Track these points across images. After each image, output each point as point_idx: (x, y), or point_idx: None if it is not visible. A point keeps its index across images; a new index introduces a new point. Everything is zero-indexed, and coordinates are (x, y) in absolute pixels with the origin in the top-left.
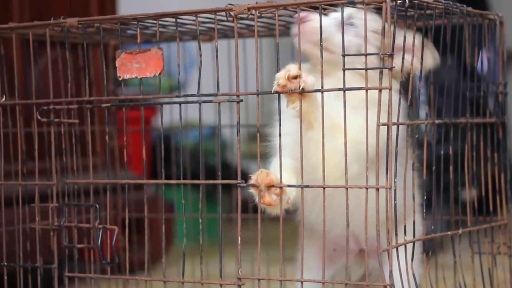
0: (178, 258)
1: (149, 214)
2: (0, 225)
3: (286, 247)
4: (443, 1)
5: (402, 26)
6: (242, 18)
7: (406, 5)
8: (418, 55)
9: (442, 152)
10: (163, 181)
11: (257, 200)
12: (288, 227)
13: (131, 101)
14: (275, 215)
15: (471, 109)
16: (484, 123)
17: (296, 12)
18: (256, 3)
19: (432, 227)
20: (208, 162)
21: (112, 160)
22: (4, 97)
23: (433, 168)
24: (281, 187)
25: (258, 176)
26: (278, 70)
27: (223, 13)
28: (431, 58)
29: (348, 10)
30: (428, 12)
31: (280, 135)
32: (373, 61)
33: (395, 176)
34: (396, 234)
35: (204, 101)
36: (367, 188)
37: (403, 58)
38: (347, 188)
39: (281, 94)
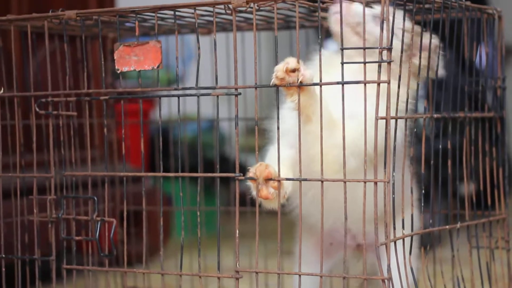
0: (176, 251)
1: (147, 207)
2: None
3: (284, 240)
4: None
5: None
6: (240, 11)
7: None
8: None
9: (440, 146)
10: (161, 174)
11: (254, 193)
12: (285, 220)
13: (129, 94)
14: (271, 209)
15: (469, 103)
16: (482, 118)
17: (295, 5)
18: None
19: (430, 221)
20: (206, 155)
21: (110, 153)
22: (2, 89)
23: (432, 162)
24: (279, 180)
25: (256, 169)
26: (276, 64)
27: (222, 6)
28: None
29: (379, 6)
30: (426, 6)
31: (278, 128)
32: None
33: (393, 170)
34: (394, 228)
35: (203, 94)
36: (365, 182)
37: (420, 57)
38: (345, 182)
39: (279, 88)
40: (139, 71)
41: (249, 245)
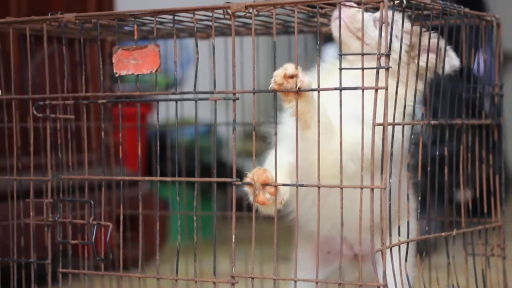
0: (172, 256)
1: (143, 211)
2: None
3: (280, 246)
4: (441, 2)
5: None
6: (239, 16)
7: (404, 5)
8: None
9: (437, 153)
10: (158, 178)
11: (251, 198)
12: (282, 225)
13: (127, 98)
14: (268, 214)
15: (467, 110)
16: (479, 125)
17: (294, 11)
18: (254, 1)
19: (426, 228)
20: (203, 160)
21: (108, 157)
22: (0, 91)
23: (428, 168)
24: (275, 186)
25: (254, 174)
26: (275, 69)
27: (221, 11)
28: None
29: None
30: (425, 12)
31: (275, 133)
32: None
33: (390, 177)
34: (390, 235)
35: (200, 99)
36: (361, 188)
37: (427, 57)
38: (341, 188)
39: (278, 93)
40: (137, 75)
41: (245, 250)
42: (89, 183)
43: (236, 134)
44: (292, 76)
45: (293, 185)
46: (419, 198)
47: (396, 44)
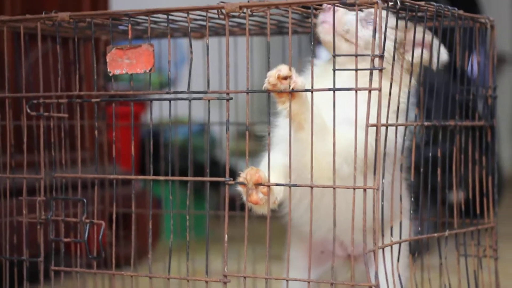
0: (164, 254)
1: (136, 210)
2: None
3: (273, 245)
4: (435, 3)
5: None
6: (233, 16)
7: (398, 7)
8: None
9: (430, 154)
10: (151, 177)
11: (244, 198)
12: (275, 225)
13: (121, 97)
14: (261, 214)
15: (460, 111)
16: (473, 126)
17: (288, 11)
18: (248, 1)
19: (419, 228)
20: (196, 159)
21: (101, 155)
22: None
23: (421, 169)
24: (268, 186)
25: (247, 173)
26: (268, 69)
27: (215, 11)
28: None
29: (369, 9)
30: (419, 14)
31: (269, 134)
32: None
33: (383, 177)
34: (383, 235)
35: (194, 98)
36: (354, 189)
37: (422, 51)
38: (334, 188)
39: (271, 94)
40: (131, 74)
41: (238, 250)
42: (82, 181)
43: (229, 134)
44: (286, 77)
45: (286, 185)
46: (412, 198)
47: (387, 44)
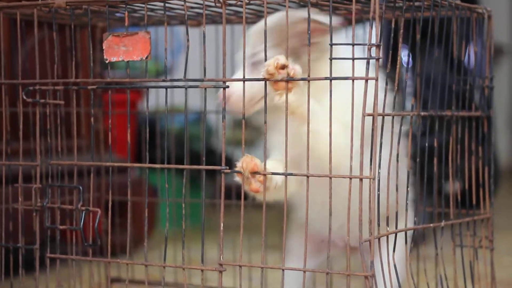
0: (160, 242)
1: (132, 198)
2: None
3: (269, 235)
4: None
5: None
6: (230, 5)
7: None
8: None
9: (426, 144)
10: (147, 165)
11: (246, 187)
12: (271, 214)
13: (117, 84)
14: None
15: (457, 102)
16: (469, 117)
17: (285, 0)
18: None
19: (415, 218)
20: (193, 147)
21: (97, 143)
22: None
23: (417, 160)
24: (265, 175)
25: (243, 161)
26: (265, 58)
27: None
28: None
29: (248, 48)
30: (416, 4)
31: (265, 122)
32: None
33: (379, 167)
34: (379, 225)
35: (190, 86)
36: (350, 178)
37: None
38: (330, 178)
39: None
40: (128, 61)
41: (233, 239)
42: (78, 169)
43: (226, 122)
44: (283, 67)
45: (282, 174)
46: (408, 188)
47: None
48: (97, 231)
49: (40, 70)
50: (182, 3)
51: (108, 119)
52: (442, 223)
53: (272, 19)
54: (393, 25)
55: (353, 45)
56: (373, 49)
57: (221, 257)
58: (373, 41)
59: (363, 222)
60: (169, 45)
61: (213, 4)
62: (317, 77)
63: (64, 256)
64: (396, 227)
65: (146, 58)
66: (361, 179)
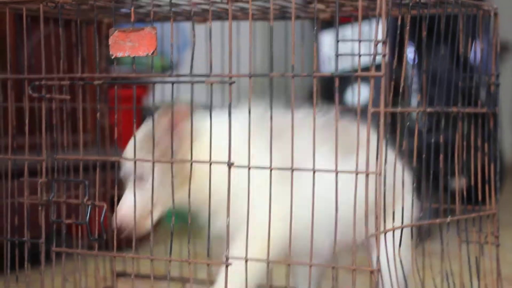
0: (166, 237)
1: None
2: None
3: None
4: None
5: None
6: (236, 1)
7: None
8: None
9: (433, 141)
10: (153, 160)
11: None
12: None
13: (123, 79)
14: None
15: (463, 98)
16: (475, 113)
17: None
18: None
19: (421, 214)
20: None
21: (102, 138)
22: None
23: (424, 156)
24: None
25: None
26: (271, 53)
27: None
28: None
29: (139, 170)
30: (423, 1)
31: (271, 118)
32: None
33: (385, 163)
34: (385, 220)
35: (196, 81)
36: (356, 173)
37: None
38: (337, 173)
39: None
40: (134, 57)
41: None
42: (83, 164)
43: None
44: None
45: (284, 169)
46: (414, 184)
47: None
48: (103, 226)
49: (46, 65)
50: None
51: (114, 114)
52: (448, 219)
53: (140, 134)
54: (399, 22)
55: (359, 41)
56: (379, 45)
57: (227, 251)
58: (379, 38)
59: (357, 220)
60: (175, 41)
61: (219, 0)
62: (322, 74)
63: (70, 250)
64: (403, 222)
65: (152, 53)
66: (367, 175)
